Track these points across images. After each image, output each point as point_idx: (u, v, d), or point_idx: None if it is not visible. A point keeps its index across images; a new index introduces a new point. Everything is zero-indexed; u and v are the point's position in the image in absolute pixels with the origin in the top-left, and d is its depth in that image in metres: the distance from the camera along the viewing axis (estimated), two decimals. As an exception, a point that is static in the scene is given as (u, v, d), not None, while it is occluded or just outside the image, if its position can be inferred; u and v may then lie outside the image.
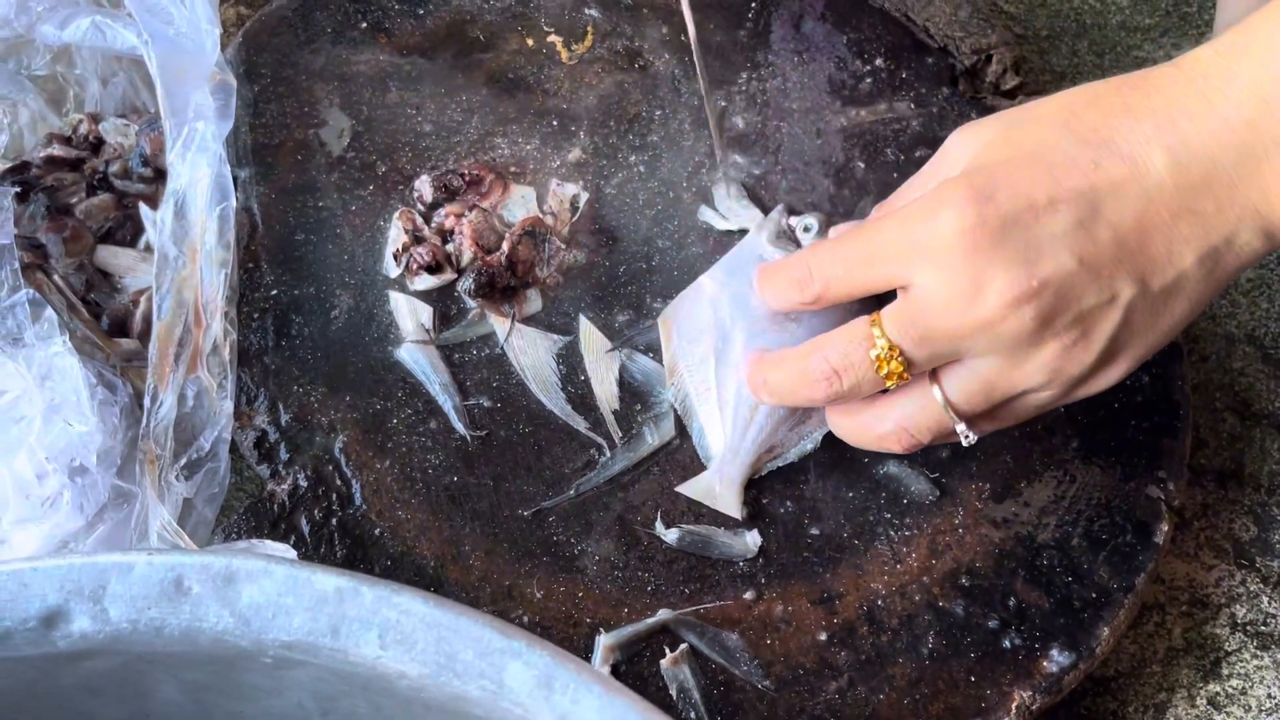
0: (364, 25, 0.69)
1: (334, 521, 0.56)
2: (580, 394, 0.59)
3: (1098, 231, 0.44)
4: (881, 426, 0.51)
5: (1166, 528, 0.57)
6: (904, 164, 0.65)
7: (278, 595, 0.39)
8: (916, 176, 0.53)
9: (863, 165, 0.65)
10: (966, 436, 0.50)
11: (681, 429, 0.58)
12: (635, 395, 0.59)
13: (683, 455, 0.58)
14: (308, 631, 0.39)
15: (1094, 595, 0.55)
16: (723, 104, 0.66)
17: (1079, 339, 0.46)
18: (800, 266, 0.51)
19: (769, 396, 0.53)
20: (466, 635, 0.38)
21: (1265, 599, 0.61)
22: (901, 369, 0.48)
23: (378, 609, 0.39)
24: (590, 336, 0.60)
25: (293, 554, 0.53)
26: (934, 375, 0.49)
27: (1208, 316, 0.69)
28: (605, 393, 0.59)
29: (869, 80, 0.68)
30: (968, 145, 0.48)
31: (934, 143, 0.65)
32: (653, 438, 0.58)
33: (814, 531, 0.56)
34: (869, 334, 0.48)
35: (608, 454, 0.58)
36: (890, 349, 0.47)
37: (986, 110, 0.67)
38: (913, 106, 0.67)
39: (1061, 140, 0.45)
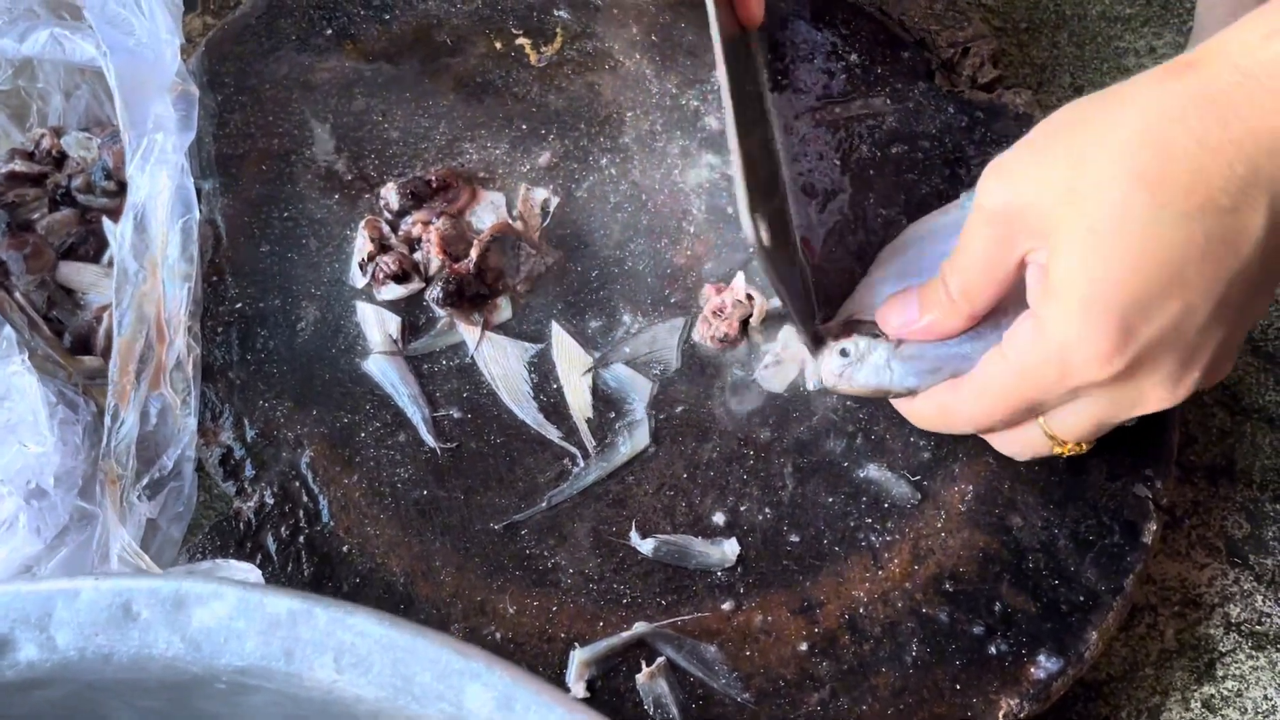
0: (329, 32, 0.67)
1: (301, 539, 0.55)
2: (553, 403, 0.58)
3: (1226, 310, 0.44)
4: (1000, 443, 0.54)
5: (1155, 527, 0.56)
6: (880, 160, 0.64)
7: (229, 619, 0.38)
8: (957, 203, 0.56)
9: (838, 162, 0.64)
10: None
11: (657, 438, 0.57)
12: (609, 403, 0.58)
13: (658, 463, 0.57)
14: (261, 656, 0.38)
15: (1081, 598, 0.54)
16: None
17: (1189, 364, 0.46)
18: (944, 292, 0.51)
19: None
20: (424, 657, 0.37)
21: (1259, 598, 0.60)
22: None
23: (332, 631, 0.38)
24: (562, 344, 0.59)
25: (257, 574, 0.52)
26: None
27: (1195, 310, 0.67)
28: (579, 402, 0.58)
29: (844, 75, 0.67)
30: (1028, 215, 0.46)
31: (910, 138, 0.64)
32: (626, 446, 0.57)
33: (793, 539, 0.55)
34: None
35: (581, 464, 0.56)
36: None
37: (964, 106, 0.66)
38: (889, 101, 0.66)
39: (1160, 223, 0.42)
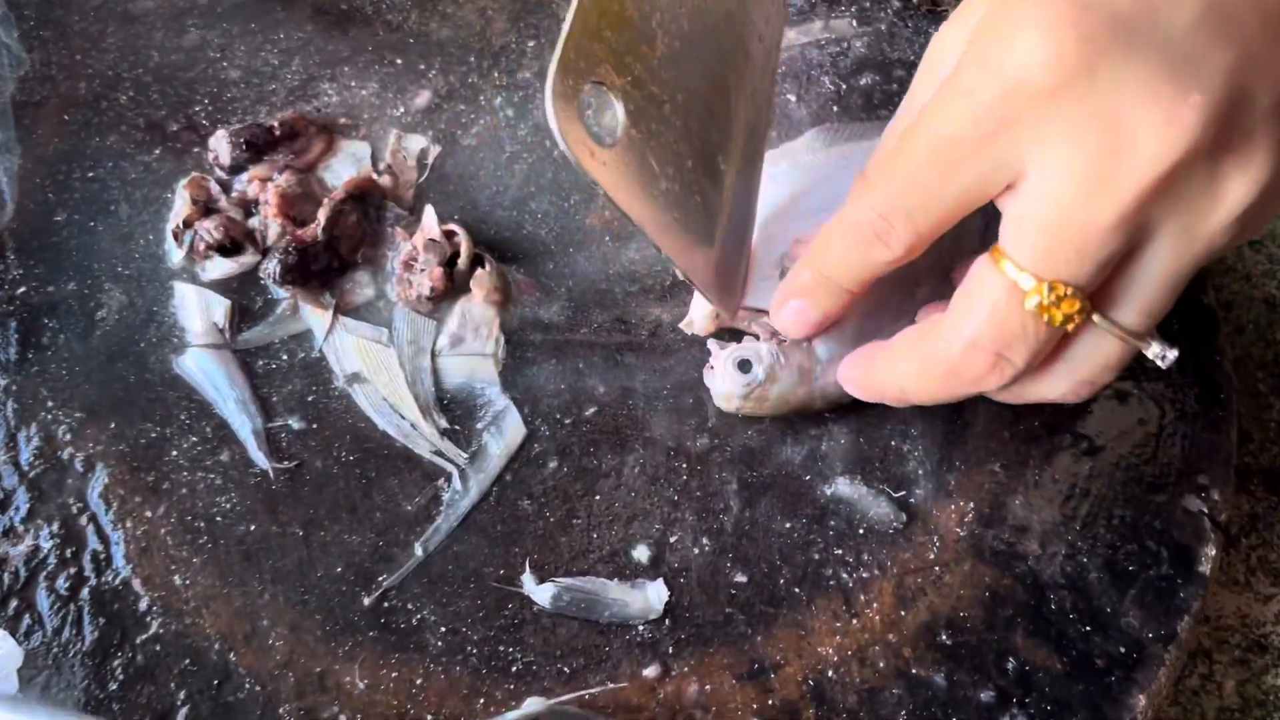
0: (159, -47, 0.54)
1: (85, 594, 0.41)
2: (426, 404, 0.44)
3: (1238, 7, 0.30)
4: (1042, 389, 0.36)
5: (1214, 552, 0.42)
6: (846, 94, 0.51)
7: None
8: (912, 90, 0.39)
9: (793, 99, 0.51)
10: (1164, 358, 0.35)
11: (532, 429, 0.44)
12: (459, 401, 0.44)
13: (559, 482, 0.43)
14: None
15: (1123, 650, 0.40)
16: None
17: (1264, 147, 0.30)
18: (862, 212, 0.35)
19: (912, 399, 0.39)
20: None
21: (1341, 637, 0.46)
22: (1078, 305, 0.32)
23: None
24: (415, 330, 0.46)
25: (10, 647, 0.39)
26: (1095, 299, 0.33)
27: (1241, 276, 0.54)
28: (424, 406, 0.44)
29: (799, -6, 0.54)
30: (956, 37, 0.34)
31: (882, 67, 0.51)
32: (498, 445, 0.43)
33: (739, 579, 0.42)
34: (1008, 283, 0.32)
35: (457, 484, 0.43)
36: (1050, 288, 0.32)
37: (949, 26, 0.53)
38: (854, 24, 0.53)
39: None
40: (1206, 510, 0.43)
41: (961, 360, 0.34)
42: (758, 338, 0.44)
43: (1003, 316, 0.33)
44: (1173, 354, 0.34)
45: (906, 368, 0.36)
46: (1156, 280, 0.32)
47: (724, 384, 0.43)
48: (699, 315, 0.45)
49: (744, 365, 0.42)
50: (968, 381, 0.34)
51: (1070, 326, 0.33)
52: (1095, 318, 0.33)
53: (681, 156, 0.37)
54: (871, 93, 0.51)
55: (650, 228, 0.36)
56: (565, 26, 0.32)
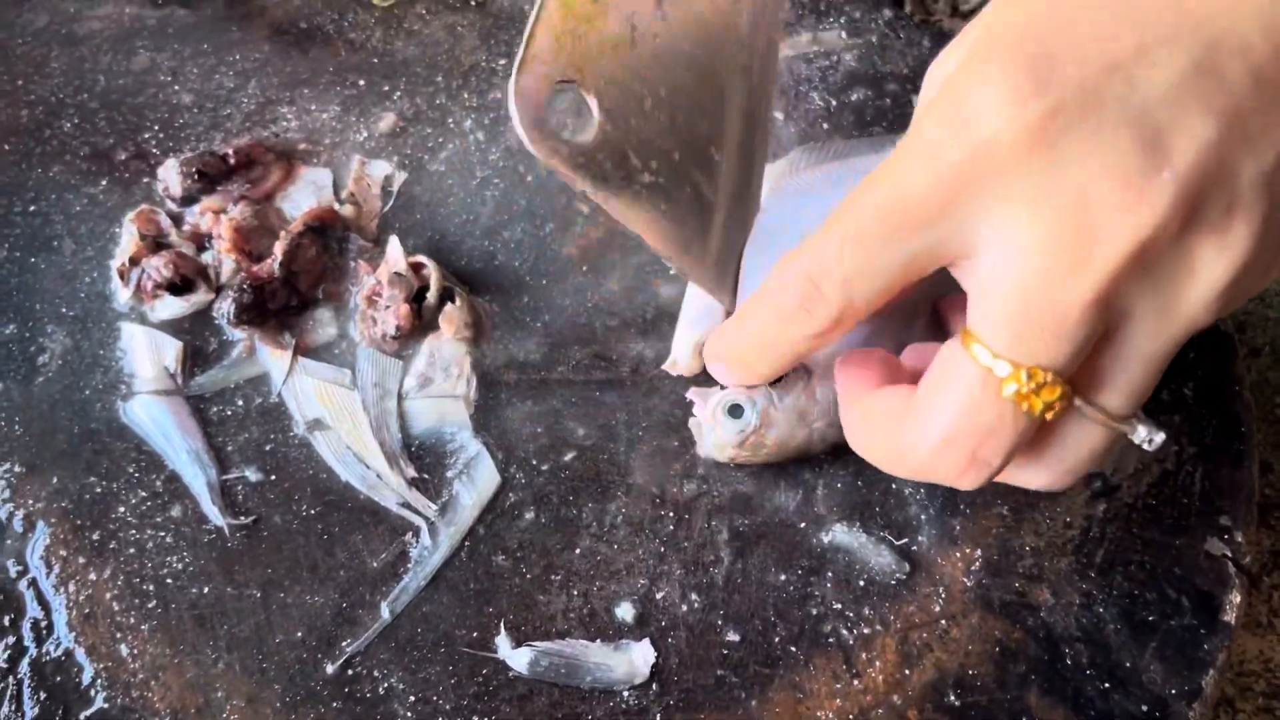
0: (107, -30, 0.51)
1: (24, 666, 0.38)
2: (392, 452, 0.41)
3: (1226, 69, 0.27)
4: (1022, 479, 0.33)
5: (1239, 599, 0.40)
6: (836, 110, 0.48)
7: None
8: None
9: (781, 116, 0.48)
10: (1151, 441, 0.31)
11: (506, 476, 0.41)
12: (427, 448, 0.42)
13: (535, 534, 0.40)
14: None
15: (1144, 708, 0.38)
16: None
17: (1248, 232, 0.28)
18: (788, 276, 0.31)
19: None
20: None
21: (1371, 680, 0.44)
22: (1059, 391, 0.29)
23: None
24: (381, 371, 0.43)
25: (-63, 729, 0.35)
26: (1076, 383, 0.30)
27: (1255, 298, 0.52)
28: (390, 454, 0.41)
29: (786, 4, 0.51)
30: (971, 30, 0.31)
31: (874, 81, 0.48)
32: (470, 495, 0.40)
33: (731, 637, 0.39)
34: (981, 370, 0.29)
35: (426, 538, 0.40)
36: (1029, 374, 0.29)
37: (942, 37, 0.50)
38: (844, 36, 0.50)
39: None
40: (1230, 554, 0.40)
41: (933, 459, 0.31)
42: None
43: (977, 407, 0.29)
44: (1160, 437, 0.31)
45: (877, 451, 0.33)
46: (1138, 361, 0.30)
47: (716, 433, 0.40)
48: (683, 354, 0.42)
49: (735, 410, 0.39)
50: (940, 479, 0.31)
51: (1050, 415, 0.30)
52: (1077, 402, 0.30)
53: (667, 150, 0.34)
54: (863, 109, 0.48)
55: (634, 223, 0.33)
56: (527, 28, 0.29)
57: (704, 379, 0.42)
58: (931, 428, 0.30)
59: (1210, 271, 0.28)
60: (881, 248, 0.29)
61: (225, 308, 0.42)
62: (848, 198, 0.30)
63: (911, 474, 0.32)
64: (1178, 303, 0.29)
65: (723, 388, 0.40)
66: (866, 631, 0.39)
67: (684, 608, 0.39)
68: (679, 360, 0.42)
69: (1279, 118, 0.27)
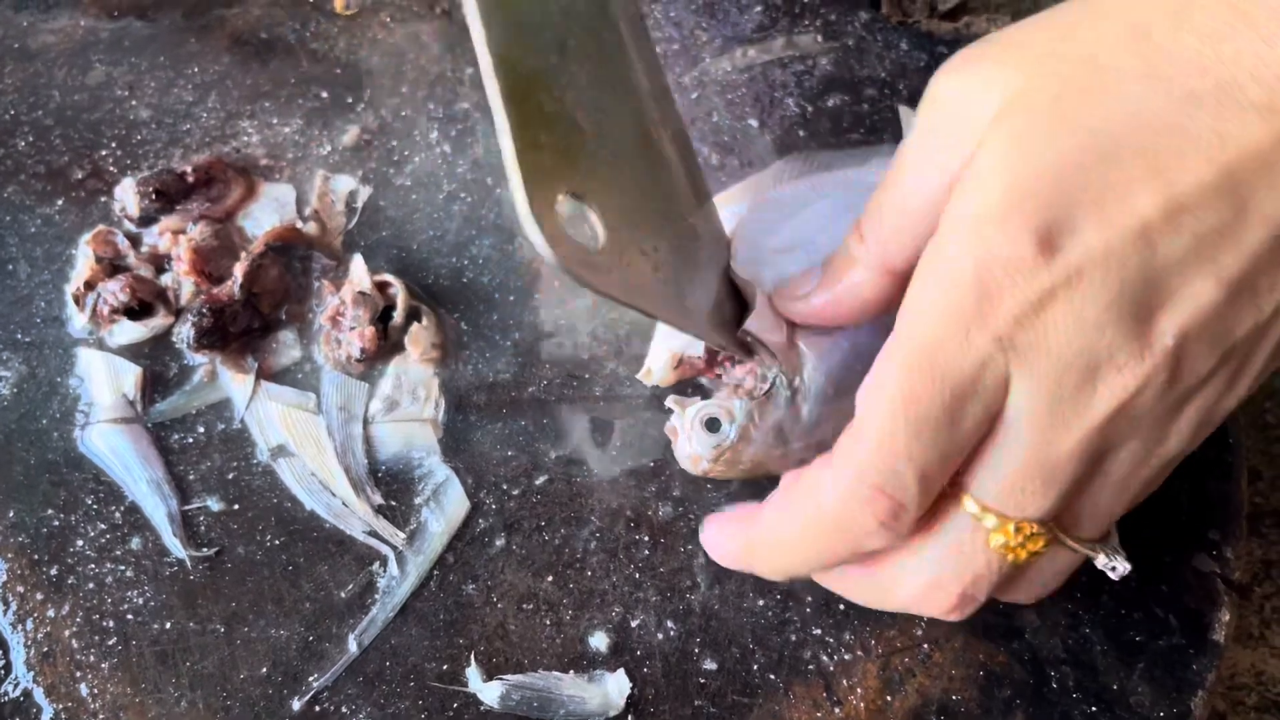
0: (62, -19, 0.50)
1: (-20, 708, 0.37)
2: (358, 478, 0.40)
3: (1248, 234, 0.27)
4: (1006, 596, 0.33)
5: (1227, 617, 0.39)
6: (813, 117, 0.47)
7: None
8: (904, 159, 0.32)
9: (755, 124, 0.47)
10: (1114, 569, 0.32)
11: (476, 502, 0.40)
12: (394, 474, 0.40)
13: (507, 561, 0.39)
14: None
15: (1132, 732, 0.37)
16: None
17: (1232, 377, 0.29)
18: (859, 491, 0.29)
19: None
20: None
21: (1363, 692, 0.43)
22: (1043, 541, 0.30)
23: None
24: (346, 395, 0.41)
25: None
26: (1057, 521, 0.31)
27: (1242, 298, 0.51)
28: (356, 480, 0.40)
29: (759, 8, 0.50)
30: (974, 114, 0.29)
31: (851, 86, 0.47)
32: (439, 523, 0.39)
33: (708, 666, 0.38)
34: (971, 521, 0.30)
35: (394, 568, 0.39)
36: (1016, 529, 0.29)
37: (920, 40, 0.49)
38: (820, 39, 0.49)
39: (1149, 97, 0.27)
40: (1219, 570, 0.39)
41: (923, 598, 0.31)
42: (727, 388, 0.39)
43: (968, 557, 0.30)
44: (1124, 567, 0.32)
45: (859, 591, 0.33)
46: (1114, 495, 0.30)
47: (690, 445, 0.39)
48: (658, 364, 0.41)
49: (712, 424, 0.38)
50: (928, 614, 0.32)
51: (1031, 559, 0.30)
52: (1059, 536, 0.30)
53: (652, 216, 0.33)
54: (840, 115, 0.47)
55: (665, 313, 0.32)
56: (506, 148, 0.27)
57: (677, 389, 0.41)
58: (922, 574, 0.31)
59: (1193, 416, 0.29)
60: (944, 426, 0.28)
61: (185, 332, 0.41)
62: (866, 393, 0.29)
63: (898, 609, 0.33)
64: (1160, 443, 0.29)
65: (704, 398, 0.39)
66: (847, 657, 0.38)
67: (660, 636, 0.38)
68: (654, 370, 0.41)
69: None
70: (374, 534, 0.39)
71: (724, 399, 0.38)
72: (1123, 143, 0.26)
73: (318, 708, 0.37)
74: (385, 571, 0.39)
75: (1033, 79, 0.28)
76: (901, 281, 0.30)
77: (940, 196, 0.29)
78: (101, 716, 0.37)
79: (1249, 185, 0.26)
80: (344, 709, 0.37)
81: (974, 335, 0.27)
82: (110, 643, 0.38)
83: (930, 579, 0.31)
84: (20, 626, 0.38)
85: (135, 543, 0.39)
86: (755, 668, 0.38)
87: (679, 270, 0.33)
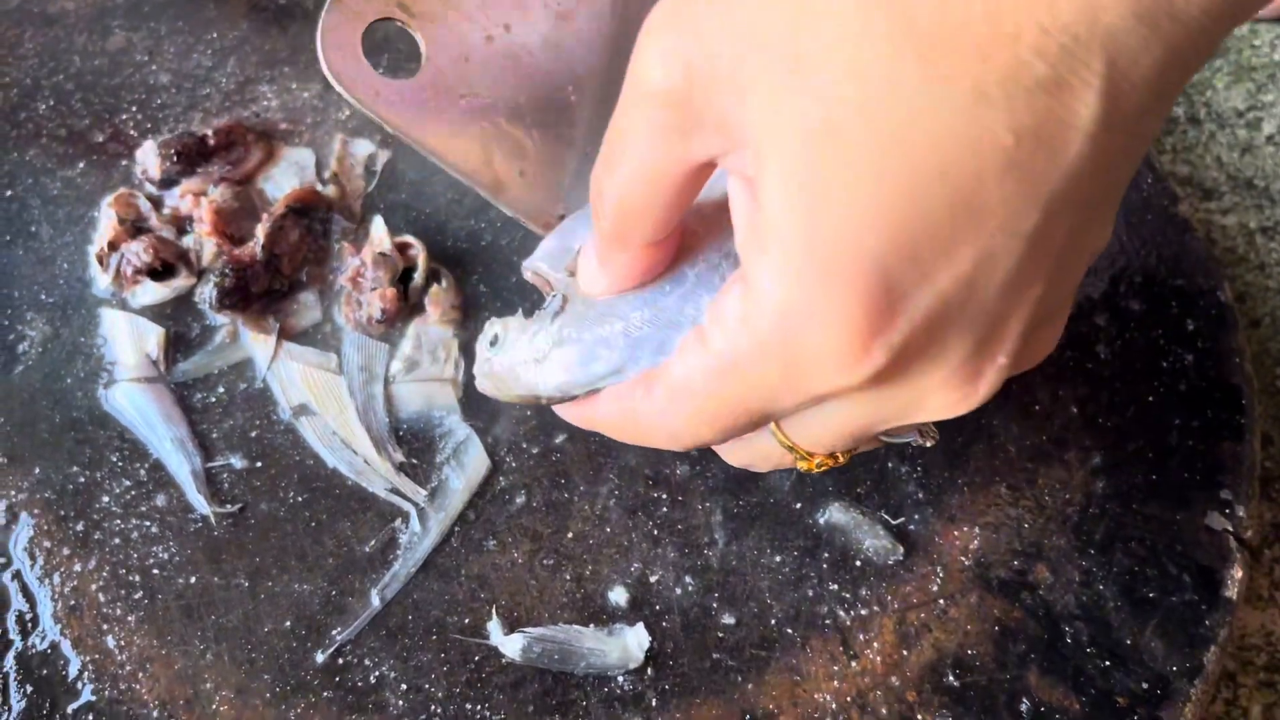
0: (80, -53, 0.50)
1: (10, 658, 0.37)
2: (379, 437, 0.41)
3: (1046, 248, 0.25)
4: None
5: (1239, 574, 0.39)
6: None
7: None
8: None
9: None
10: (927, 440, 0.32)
11: (496, 460, 0.40)
12: (415, 432, 0.41)
13: (527, 519, 0.39)
14: None
15: (1145, 686, 0.37)
16: None
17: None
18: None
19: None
20: None
21: (1373, 652, 0.43)
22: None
23: None
24: (366, 355, 0.42)
25: (-79, 725, 0.35)
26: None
27: (1255, 266, 0.51)
28: (378, 439, 0.41)
29: None
30: (731, 112, 0.26)
31: None
32: (459, 480, 0.40)
33: (726, 620, 0.38)
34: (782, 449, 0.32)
35: (415, 524, 0.39)
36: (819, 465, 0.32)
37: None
38: None
39: (939, 111, 0.23)
40: (1231, 528, 0.40)
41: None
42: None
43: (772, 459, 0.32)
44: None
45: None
46: (846, 431, 0.30)
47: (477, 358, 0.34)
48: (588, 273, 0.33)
49: (495, 341, 0.33)
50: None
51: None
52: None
53: (510, 89, 0.33)
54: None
55: (451, 156, 0.32)
56: None
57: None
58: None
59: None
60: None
61: (207, 292, 0.41)
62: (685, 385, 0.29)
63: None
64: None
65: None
66: (863, 613, 0.38)
67: (678, 591, 0.39)
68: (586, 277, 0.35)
69: (1100, 232, 0.27)
70: (396, 491, 0.40)
71: (515, 319, 0.33)
72: (939, 194, 0.24)
73: (340, 660, 0.37)
74: (407, 528, 0.39)
75: (773, 79, 0.25)
76: (643, 265, 0.30)
77: (683, 178, 0.28)
78: (128, 668, 0.37)
79: (1047, 195, 0.25)
80: (367, 661, 0.37)
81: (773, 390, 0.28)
82: (136, 596, 0.38)
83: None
84: (47, 580, 0.38)
85: (160, 499, 0.40)
86: (772, 622, 0.38)
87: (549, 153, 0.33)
